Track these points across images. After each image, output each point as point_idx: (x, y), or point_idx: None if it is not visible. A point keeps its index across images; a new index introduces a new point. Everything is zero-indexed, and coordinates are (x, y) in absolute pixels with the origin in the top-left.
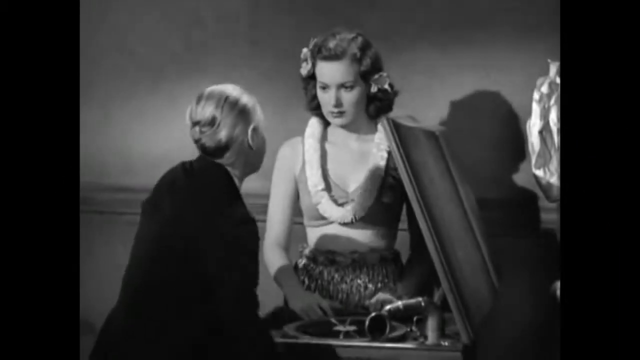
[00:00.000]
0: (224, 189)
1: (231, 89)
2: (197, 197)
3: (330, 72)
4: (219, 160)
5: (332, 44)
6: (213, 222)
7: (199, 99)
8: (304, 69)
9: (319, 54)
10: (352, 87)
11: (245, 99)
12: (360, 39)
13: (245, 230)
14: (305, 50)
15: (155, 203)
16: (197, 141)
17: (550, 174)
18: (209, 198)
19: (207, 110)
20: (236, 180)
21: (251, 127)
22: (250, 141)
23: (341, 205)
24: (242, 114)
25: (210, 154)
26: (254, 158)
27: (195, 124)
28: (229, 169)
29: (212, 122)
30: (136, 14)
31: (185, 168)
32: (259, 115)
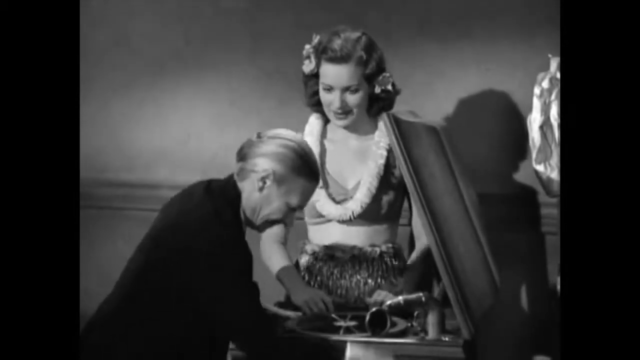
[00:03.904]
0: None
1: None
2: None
3: (335, 75)
4: None
5: (337, 45)
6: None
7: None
8: (307, 67)
9: (323, 54)
10: (357, 90)
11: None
12: (364, 39)
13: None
14: (308, 47)
15: (166, 207)
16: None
17: (550, 169)
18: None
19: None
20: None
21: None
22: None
23: (339, 202)
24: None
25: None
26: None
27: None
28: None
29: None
30: (136, 9)
31: (208, 184)
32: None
